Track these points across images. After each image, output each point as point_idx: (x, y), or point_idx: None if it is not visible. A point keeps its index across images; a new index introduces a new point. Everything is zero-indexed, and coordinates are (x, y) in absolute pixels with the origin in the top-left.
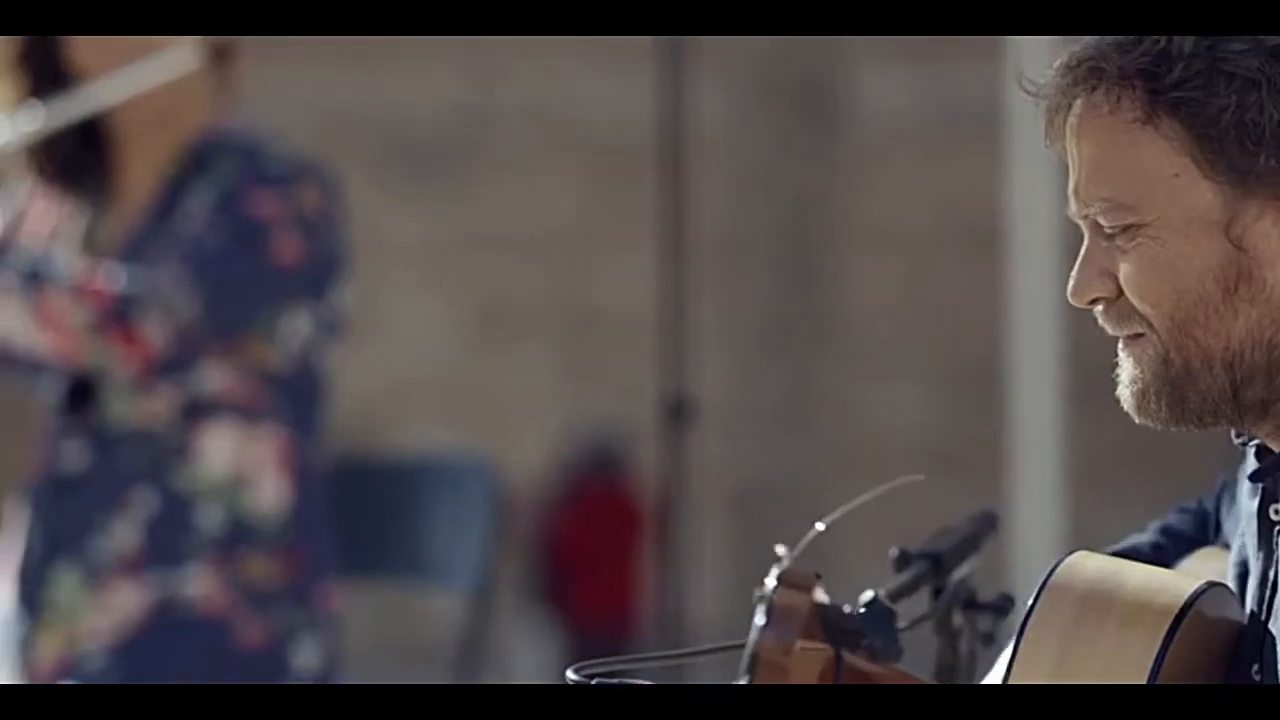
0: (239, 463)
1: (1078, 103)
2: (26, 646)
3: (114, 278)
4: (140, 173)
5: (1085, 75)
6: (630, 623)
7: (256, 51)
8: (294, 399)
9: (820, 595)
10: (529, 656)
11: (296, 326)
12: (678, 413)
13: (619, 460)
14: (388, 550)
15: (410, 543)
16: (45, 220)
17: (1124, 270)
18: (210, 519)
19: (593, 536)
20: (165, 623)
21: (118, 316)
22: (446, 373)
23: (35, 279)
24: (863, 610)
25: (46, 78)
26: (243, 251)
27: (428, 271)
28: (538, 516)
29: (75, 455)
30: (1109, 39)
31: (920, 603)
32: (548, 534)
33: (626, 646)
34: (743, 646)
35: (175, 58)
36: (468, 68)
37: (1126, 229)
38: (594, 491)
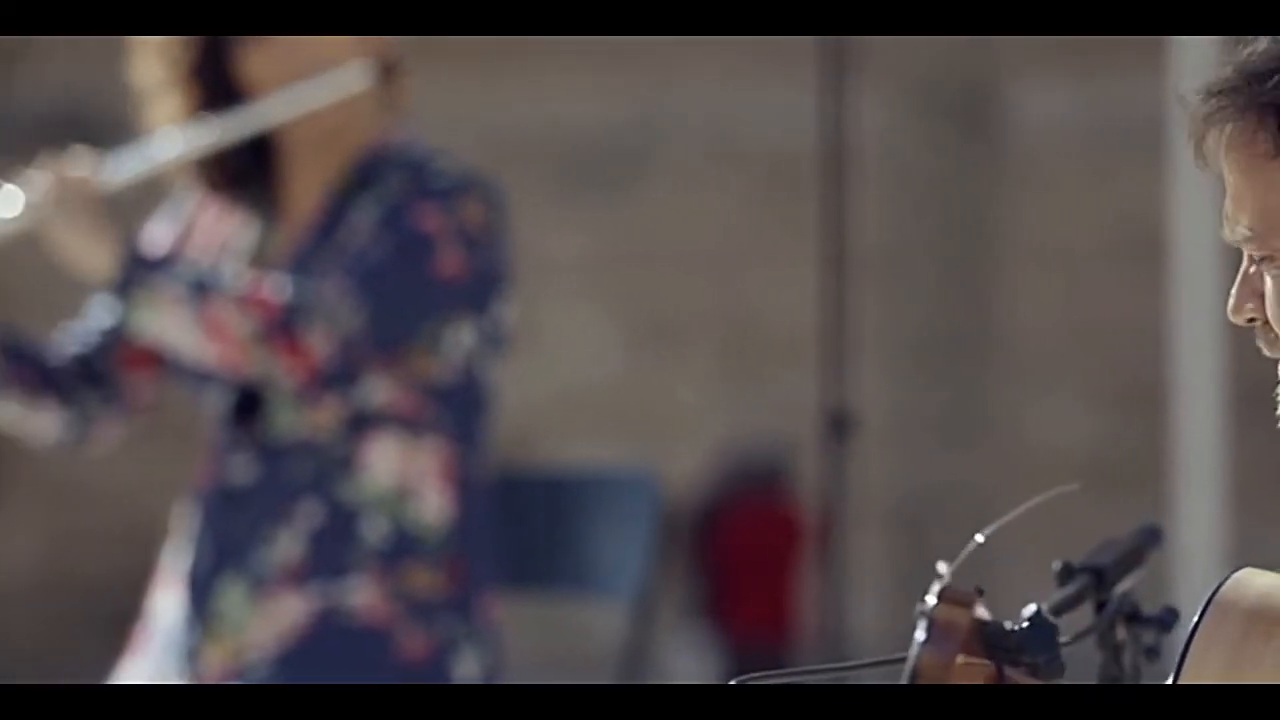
0: (403, 474)
1: (1224, 129)
2: (194, 657)
3: (280, 289)
4: (308, 186)
5: (1224, 105)
6: (788, 636)
7: (422, 66)
8: (458, 411)
9: (981, 611)
10: (688, 669)
11: (460, 339)
12: (839, 426)
13: (778, 473)
14: (550, 563)
15: (572, 555)
16: (214, 232)
17: (1266, 296)
18: (374, 530)
19: (751, 550)
20: (328, 633)
21: (283, 327)
22: (608, 386)
23: (202, 289)
24: (1024, 626)
25: (218, 92)
26: (406, 265)
27: (591, 285)
28: (696, 530)
29: (242, 467)
30: (1250, 66)
31: (1083, 617)
32: (706, 547)
33: (784, 659)
34: (904, 660)
35: (346, 76)
36: (632, 82)
37: (1265, 258)
38: (752, 505)
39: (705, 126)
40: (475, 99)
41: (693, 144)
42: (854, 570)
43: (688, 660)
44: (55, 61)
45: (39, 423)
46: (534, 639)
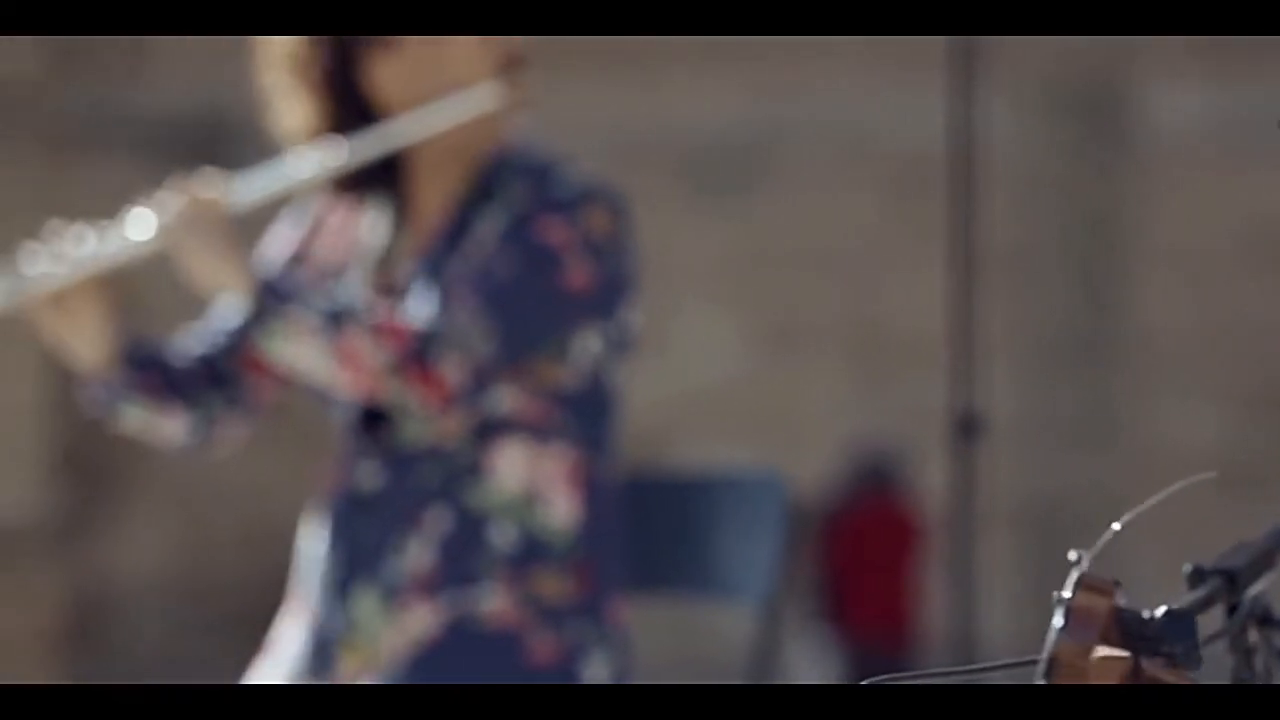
0: (530, 480)
1: None
2: (328, 665)
3: (412, 317)
4: (434, 192)
5: None
6: (907, 639)
7: (548, 69)
8: (584, 417)
9: (1120, 599)
10: (809, 671)
11: (587, 346)
12: (967, 428)
13: (896, 475)
14: (678, 565)
15: (701, 558)
16: (341, 235)
17: None
18: (503, 536)
19: (869, 551)
20: (460, 640)
21: (417, 357)
22: (735, 388)
23: (337, 319)
24: (1163, 615)
25: (347, 101)
26: (535, 280)
27: (718, 287)
28: (819, 532)
29: (371, 475)
30: None
31: (1214, 620)
32: (827, 549)
33: (903, 662)
34: (1035, 662)
35: (478, 96)
36: (758, 83)
37: None
38: (871, 506)
39: (833, 128)
40: (601, 101)
41: (820, 146)
42: (982, 573)
43: (807, 663)
44: (184, 65)
45: (165, 427)
46: (662, 642)
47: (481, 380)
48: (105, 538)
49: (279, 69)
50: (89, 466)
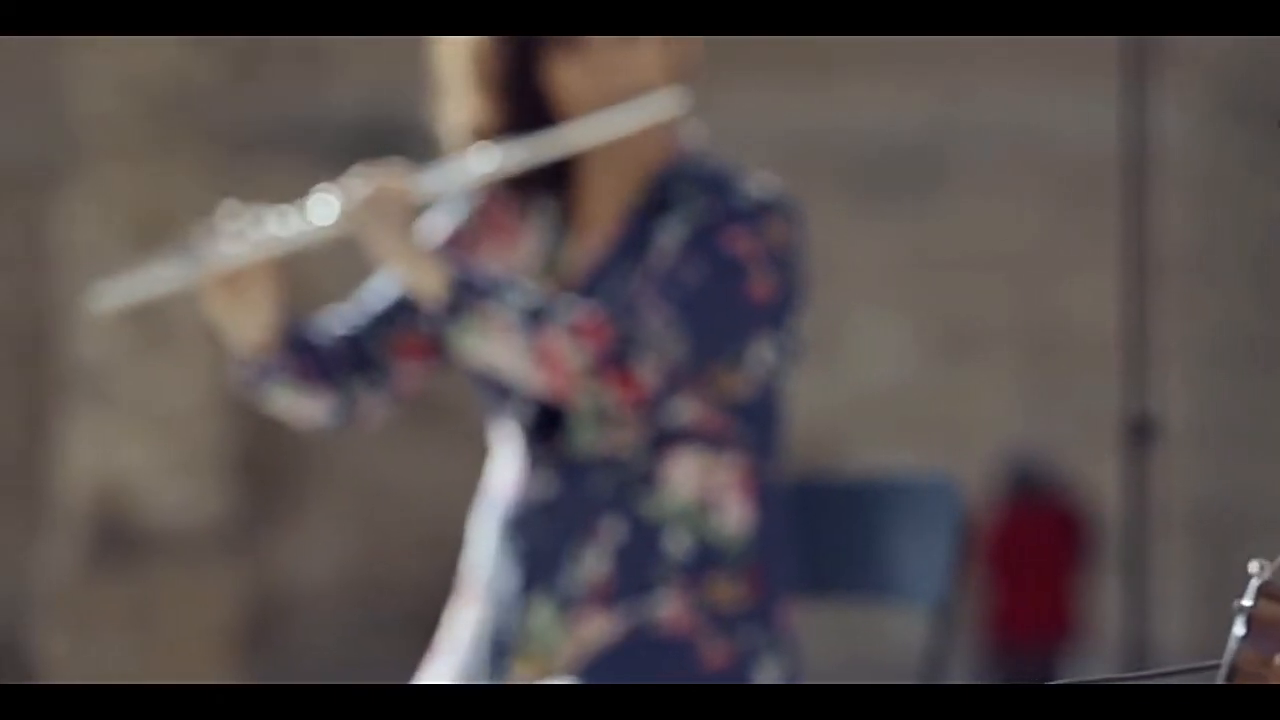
0: (704, 488)
1: None
2: (501, 674)
3: (609, 318)
4: (604, 199)
5: None
6: (1069, 643)
7: (720, 73)
8: (757, 425)
9: None
10: (971, 675)
11: (762, 356)
12: (1141, 432)
13: (1058, 480)
14: (851, 570)
15: (873, 561)
16: (504, 236)
17: None
18: (677, 544)
19: (1032, 556)
20: (635, 648)
21: (616, 358)
22: (906, 392)
23: (535, 318)
24: None
25: (527, 101)
26: (723, 290)
27: (889, 292)
28: (988, 535)
29: (545, 483)
30: None
31: None
32: (988, 553)
33: (1066, 666)
34: (1214, 667)
35: (659, 102)
36: (931, 87)
37: None
38: (1033, 511)
39: (1005, 131)
40: (771, 105)
41: (992, 149)
42: (1156, 578)
43: (968, 666)
44: (362, 70)
45: (308, 408)
46: (834, 646)
47: (673, 385)
48: (282, 539)
49: (459, 66)
50: (266, 468)
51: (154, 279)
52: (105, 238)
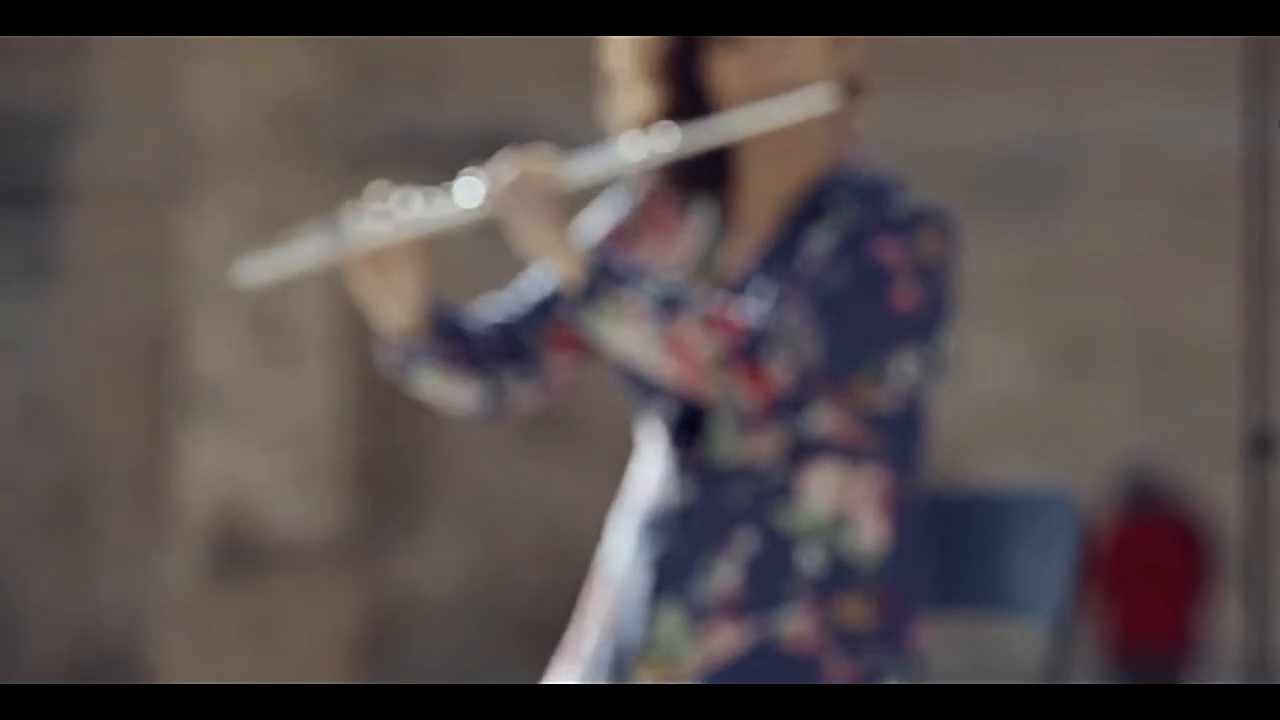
0: (840, 503)
1: None
2: (624, 679)
3: (745, 312)
4: (760, 202)
5: None
6: (1187, 655)
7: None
8: (897, 440)
9: None
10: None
11: (905, 370)
12: (1261, 445)
13: (1175, 492)
14: (971, 582)
15: (993, 575)
16: (662, 234)
17: None
18: (810, 559)
19: (1155, 568)
20: (758, 662)
21: (747, 351)
22: (1025, 405)
23: (670, 306)
24: None
25: (685, 95)
26: (864, 296)
27: (1009, 304)
28: (1107, 548)
29: (681, 489)
30: None
31: None
32: (1113, 565)
33: (1183, 678)
34: None
35: (814, 97)
36: (1048, 98)
37: None
38: (1149, 524)
39: (1124, 142)
40: (892, 115)
41: (1111, 161)
42: (1278, 592)
43: (1084, 678)
44: (480, 82)
45: (456, 395)
46: (955, 658)
47: (805, 387)
48: (403, 550)
49: (624, 60)
50: (385, 480)
51: (298, 255)
52: (226, 248)
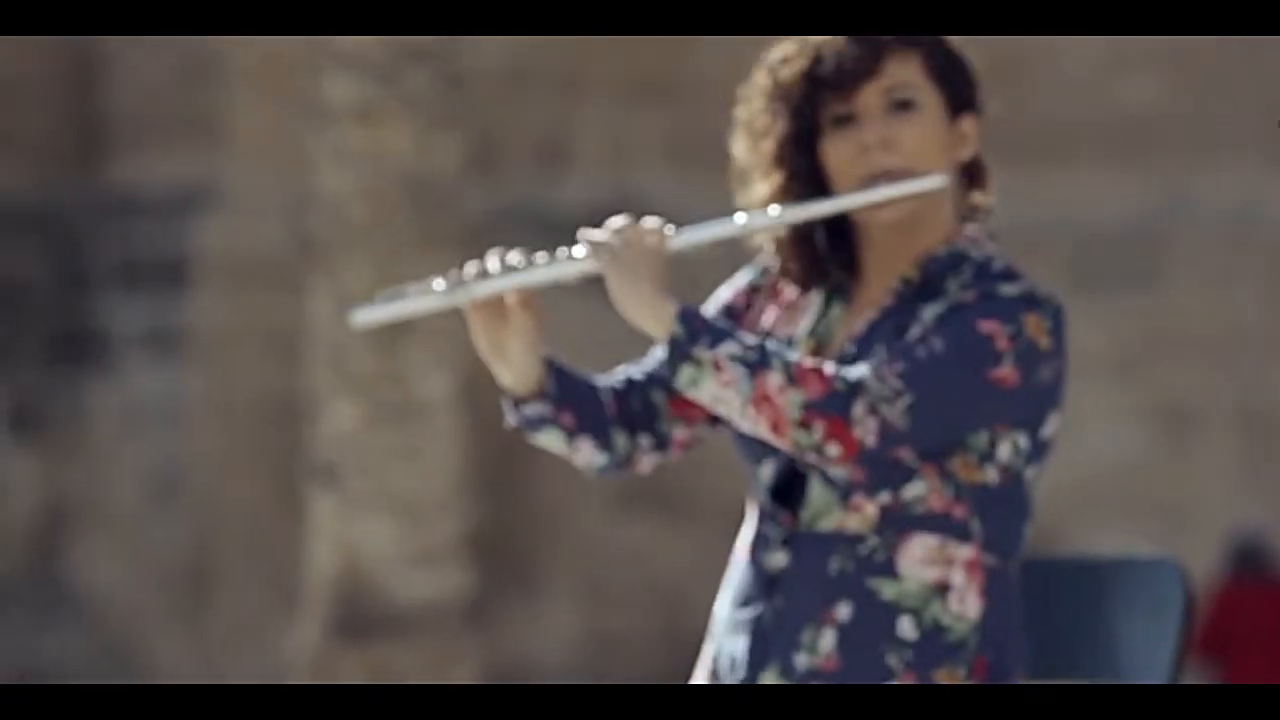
0: (940, 575)
1: None
2: None
3: (835, 369)
4: (880, 280)
5: None
6: None
7: None
8: (999, 517)
9: None
10: None
11: (1009, 448)
12: None
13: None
14: (1076, 651)
15: (1097, 644)
16: (785, 312)
17: None
18: (908, 630)
19: (1261, 637)
20: None
21: (831, 404)
22: (1131, 474)
23: (759, 358)
24: None
25: (802, 179)
26: (962, 365)
27: (1113, 374)
28: (1212, 618)
29: (780, 558)
30: None
31: None
32: (1218, 634)
33: None
34: None
35: (930, 179)
36: (1151, 171)
37: None
38: (1256, 592)
39: (1226, 214)
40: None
41: (1213, 232)
42: None
43: None
44: (597, 162)
45: (578, 456)
46: None
47: (894, 445)
48: (518, 619)
49: (739, 144)
50: (503, 549)
51: (415, 299)
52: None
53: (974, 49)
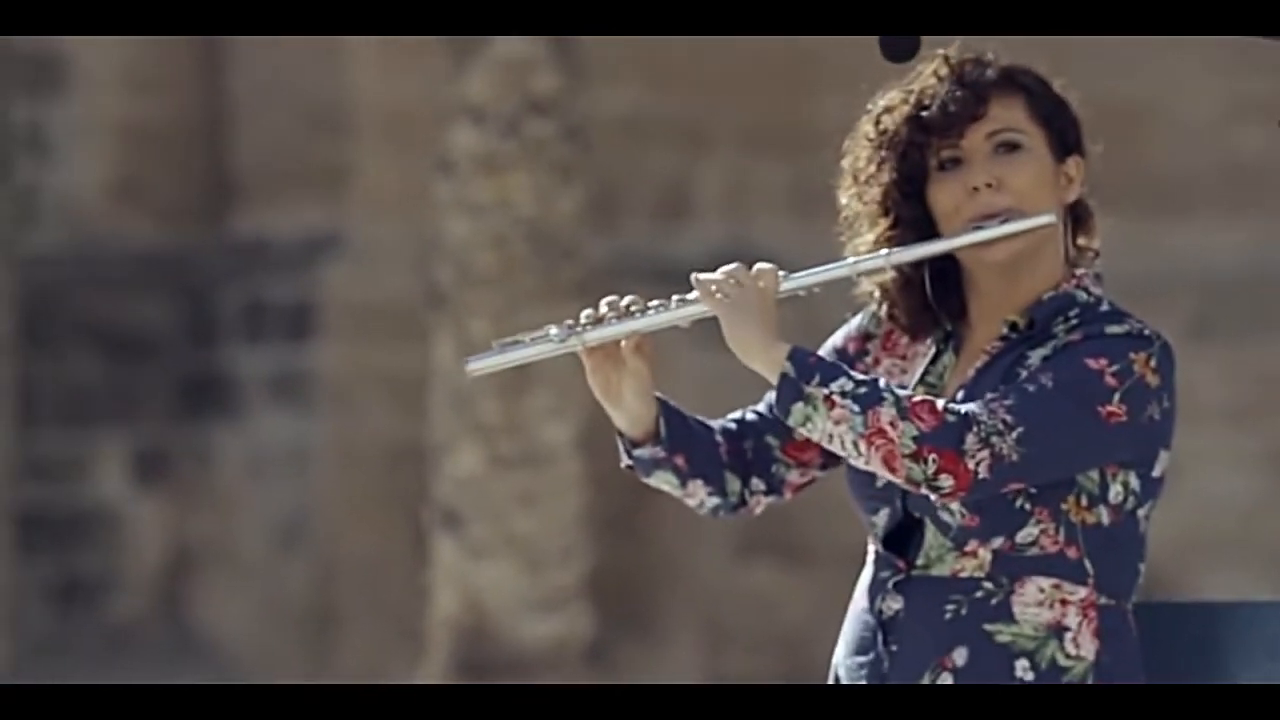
0: (1055, 618)
1: None
2: None
3: (947, 405)
4: (989, 326)
5: None
6: None
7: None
8: (1113, 558)
9: None
10: None
11: (1121, 488)
12: None
13: None
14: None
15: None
16: (896, 358)
17: None
18: (1022, 674)
19: None
20: None
21: (944, 435)
22: (1250, 517)
23: (870, 394)
24: None
25: (910, 222)
26: (1073, 401)
27: (1231, 419)
28: None
29: (895, 601)
30: None
31: None
32: None
33: None
34: None
35: (1040, 217)
36: (1270, 220)
37: None
38: None
39: None
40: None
41: None
42: None
43: None
44: (715, 212)
45: (691, 498)
46: None
47: (1005, 480)
48: (638, 663)
49: (845, 186)
50: (623, 591)
51: (529, 346)
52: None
53: (1089, 98)
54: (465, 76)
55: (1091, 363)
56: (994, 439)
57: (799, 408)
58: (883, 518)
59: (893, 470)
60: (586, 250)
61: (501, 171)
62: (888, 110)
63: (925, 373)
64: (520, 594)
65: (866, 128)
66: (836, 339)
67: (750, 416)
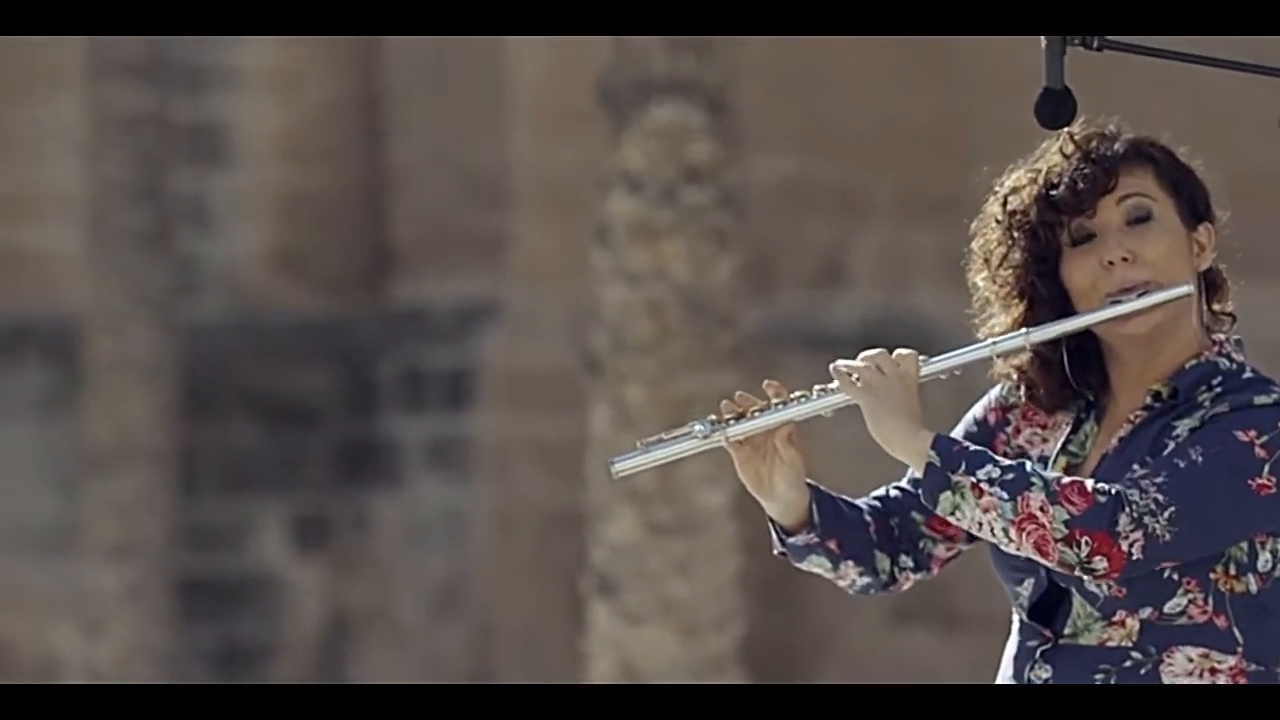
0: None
1: None
2: None
3: (1095, 486)
4: (1130, 397)
5: None
6: None
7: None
8: (1262, 627)
9: None
10: None
11: (1268, 556)
12: None
13: None
14: None
15: None
16: (1041, 428)
17: None
18: None
19: None
20: None
21: (1097, 518)
22: None
23: (1019, 479)
24: None
25: (1045, 304)
26: (1223, 476)
27: None
28: None
29: (1040, 670)
30: None
31: None
32: None
33: None
34: None
35: (1178, 288)
36: None
37: None
38: None
39: None
40: (1249, 307)
41: None
42: None
43: None
44: (867, 281)
45: (842, 579)
46: None
47: (1158, 559)
48: None
49: (975, 269)
50: (777, 658)
51: (674, 443)
52: (624, 435)
53: (1213, 165)
54: (622, 145)
55: (1241, 435)
56: (1147, 519)
57: (947, 497)
58: (1028, 588)
59: (1045, 554)
60: (742, 318)
61: (658, 239)
62: (1015, 191)
63: (1067, 442)
64: (675, 660)
65: (994, 209)
66: (977, 411)
67: (894, 493)
